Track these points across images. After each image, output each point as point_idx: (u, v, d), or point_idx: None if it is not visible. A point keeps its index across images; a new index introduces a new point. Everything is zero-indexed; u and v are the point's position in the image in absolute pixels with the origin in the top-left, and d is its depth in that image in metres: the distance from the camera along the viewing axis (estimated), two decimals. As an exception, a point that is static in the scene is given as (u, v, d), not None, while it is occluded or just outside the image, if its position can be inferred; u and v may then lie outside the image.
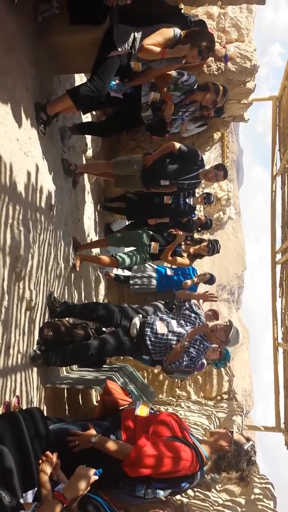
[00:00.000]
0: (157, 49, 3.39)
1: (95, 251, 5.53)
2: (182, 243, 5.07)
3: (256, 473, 4.02)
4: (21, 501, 1.76)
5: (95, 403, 4.46)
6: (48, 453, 2.14)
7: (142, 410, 2.53)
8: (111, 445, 2.38)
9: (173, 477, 2.36)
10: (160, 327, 3.48)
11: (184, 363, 3.41)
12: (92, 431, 2.43)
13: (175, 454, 2.33)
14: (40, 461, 2.12)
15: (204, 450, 2.48)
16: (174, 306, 3.84)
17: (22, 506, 1.66)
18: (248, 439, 2.55)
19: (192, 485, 2.52)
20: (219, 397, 5.64)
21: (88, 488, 1.90)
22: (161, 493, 2.38)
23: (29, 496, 1.93)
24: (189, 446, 2.40)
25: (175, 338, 3.45)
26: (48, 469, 2.10)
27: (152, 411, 2.61)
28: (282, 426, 6.99)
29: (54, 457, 2.14)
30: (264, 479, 4.21)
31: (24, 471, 2.04)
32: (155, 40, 3.38)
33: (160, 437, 2.39)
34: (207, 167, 4.61)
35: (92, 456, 2.38)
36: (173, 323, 3.55)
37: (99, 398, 4.50)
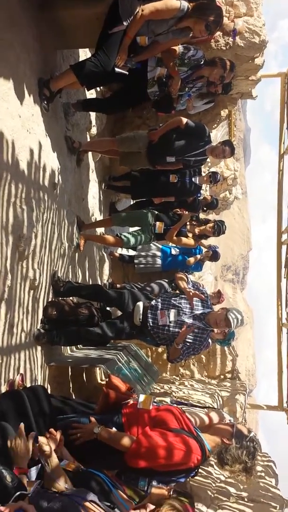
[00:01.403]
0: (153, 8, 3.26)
1: (100, 230, 5.50)
2: (188, 223, 5.03)
3: (259, 452, 4.07)
4: (23, 476, 1.78)
5: (99, 381, 4.51)
6: (52, 430, 2.16)
7: (145, 403, 2.48)
8: (115, 435, 2.37)
9: (177, 469, 2.36)
10: (161, 318, 3.48)
11: (186, 354, 3.46)
12: (94, 422, 2.42)
13: (186, 446, 2.31)
14: (45, 437, 2.15)
15: (207, 443, 2.47)
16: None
17: (24, 486, 1.67)
18: (249, 430, 2.54)
19: (195, 476, 2.53)
20: (222, 376, 5.68)
21: None
22: (164, 487, 2.39)
23: (33, 472, 1.95)
24: (195, 439, 2.40)
25: (177, 329, 3.45)
26: (52, 445, 2.12)
27: (155, 404, 2.60)
28: (285, 405, 7.07)
29: (58, 434, 2.16)
30: (266, 457, 4.27)
31: (28, 448, 2.06)
32: (156, 6, 3.26)
33: (167, 428, 2.38)
34: (213, 143, 4.53)
35: (95, 448, 2.38)
36: (176, 310, 3.52)
37: (103, 377, 4.56)
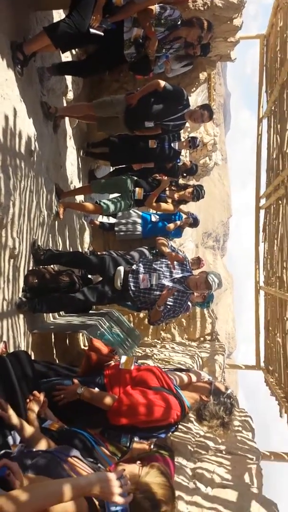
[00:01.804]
0: None
1: (79, 198, 5.46)
2: (167, 188, 5.03)
3: (236, 406, 4.26)
4: (10, 438, 1.84)
5: (82, 347, 4.60)
6: (35, 392, 2.22)
7: (127, 363, 2.57)
8: (98, 395, 2.46)
9: (157, 425, 2.47)
10: (143, 282, 3.55)
11: (167, 316, 3.55)
12: (77, 383, 2.50)
13: (166, 403, 2.42)
14: (28, 400, 2.21)
15: (186, 400, 2.58)
16: (158, 251, 3.88)
17: (8, 445, 1.73)
18: (227, 388, 2.67)
19: (175, 431, 2.65)
20: (202, 338, 5.85)
21: None
22: (145, 442, 2.50)
23: (17, 435, 2.02)
24: (174, 396, 2.50)
25: (158, 292, 3.53)
26: (35, 407, 2.18)
27: (137, 364, 2.69)
28: (262, 364, 7.33)
29: (41, 396, 2.22)
30: (244, 412, 4.47)
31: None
32: None
33: (148, 386, 2.48)
34: (192, 108, 4.49)
35: (78, 408, 2.46)
36: (156, 274, 3.59)
37: (86, 343, 4.64)
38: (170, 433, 2.76)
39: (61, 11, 4.27)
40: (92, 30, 3.38)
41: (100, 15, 3.34)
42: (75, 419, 2.49)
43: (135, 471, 1.84)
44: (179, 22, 3.99)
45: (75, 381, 2.53)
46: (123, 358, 2.62)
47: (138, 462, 1.92)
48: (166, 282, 3.53)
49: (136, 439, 2.48)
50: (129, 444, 2.46)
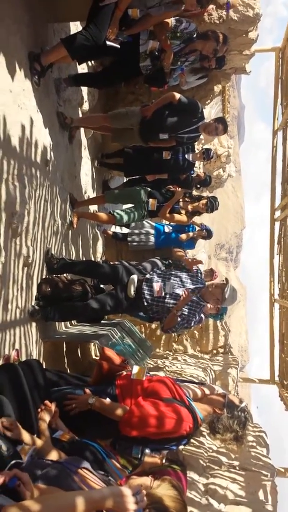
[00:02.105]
0: None
1: (93, 208, 5.49)
2: (180, 200, 5.03)
3: (250, 421, 4.18)
4: (19, 446, 1.83)
5: (93, 357, 4.58)
6: (47, 402, 2.21)
7: (138, 374, 2.55)
8: (109, 406, 2.44)
9: (169, 437, 2.43)
10: (157, 289, 3.53)
11: (181, 325, 3.51)
12: (89, 393, 2.48)
13: (177, 415, 2.39)
14: (39, 410, 2.20)
15: (199, 412, 2.54)
16: (171, 262, 3.87)
17: (19, 454, 1.72)
18: (241, 401, 2.62)
19: (187, 444, 2.61)
20: (215, 351, 5.78)
21: None
22: (158, 454, 2.46)
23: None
24: (187, 408, 2.47)
25: (172, 301, 3.50)
26: (46, 417, 2.17)
27: (148, 375, 2.66)
28: (276, 378, 7.21)
29: (52, 406, 2.21)
30: (258, 427, 4.38)
31: (23, 419, 2.10)
32: None
33: (159, 398, 2.45)
34: (207, 120, 4.50)
35: (89, 418, 2.44)
36: (171, 283, 3.57)
37: (97, 353, 4.62)
38: (182, 445, 2.72)
39: (78, 23, 4.34)
40: (108, 43, 3.42)
41: (116, 28, 3.38)
42: (86, 429, 2.47)
43: (147, 483, 1.80)
44: (194, 35, 4.02)
45: (87, 390, 2.51)
46: (135, 369, 2.60)
47: (151, 475, 1.88)
48: (180, 292, 3.51)
49: (147, 451, 2.44)
50: (140, 455, 2.43)
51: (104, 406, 2.43)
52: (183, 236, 5.29)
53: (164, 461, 2.49)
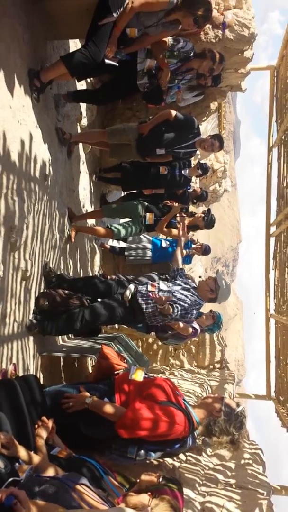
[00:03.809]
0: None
1: (91, 222, 5.51)
2: (177, 214, 5.07)
3: (246, 438, 4.16)
4: (17, 465, 1.82)
5: (90, 371, 4.55)
6: (44, 418, 2.20)
7: (136, 374, 2.60)
8: (105, 406, 2.46)
9: (164, 440, 2.45)
10: (151, 288, 3.54)
11: (178, 312, 3.47)
12: (86, 393, 2.50)
13: (170, 418, 2.41)
14: (36, 426, 2.19)
15: (196, 415, 2.56)
16: (168, 277, 3.88)
17: (17, 472, 1.71)
18: (238, 404, 2.64)
19: (183, 448, 2.61)
20: (211, 366, 5.76)
21: None
22: (153, 455, 2.47)
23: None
24: (182, 411, 2.48)
25: (166, 294, 3.48)
26: (44, 433, 2.16)
27: (147, 376, 2.68)
28: (273, 394, 7.18)
29: (50, 422, 2.20)
30: (254, 444, 4.34)
31: (20, 436, 2.09)
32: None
33: (155, 401, 2.46)
34: (203, 136, 4.56)
35: (86, 418, 2.45)
36: (163, 284, 3.60)
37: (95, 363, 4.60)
38: (179, 448, 2.69)
39: (77, 40, 4.42)
40: (107, 61, 3.48)
41: (115, 46, 3.44)
42: (83, 428, 2.47)
43: (145, 502, 1.79)
44: (191, 54, 4.10)
45: (82, 389, 2.54)
46: (133, 369, 2.63)
47: (149, 493, 1.88)
48: (174, 288, 3.52)
49: (142, 452, 2.45)
50: (135, 456, 2.44)
51: (101, 407, 2.46)
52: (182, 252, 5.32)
53: (160, 479, 2.48)
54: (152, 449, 2.47)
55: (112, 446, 2.47)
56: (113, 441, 2.48)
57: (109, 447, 2.49)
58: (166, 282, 3.70)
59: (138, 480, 2.33)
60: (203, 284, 3.61)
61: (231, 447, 2.56)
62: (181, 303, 3.47)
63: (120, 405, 2.50)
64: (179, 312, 3.46)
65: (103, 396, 2.55)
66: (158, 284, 3.60)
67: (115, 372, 2.71)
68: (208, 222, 5.19)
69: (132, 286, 3.60)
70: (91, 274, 5.47)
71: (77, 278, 4.18)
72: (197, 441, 2.70)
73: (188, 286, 3.62)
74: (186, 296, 3.50)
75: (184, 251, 5.44)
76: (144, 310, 3.52)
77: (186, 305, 3.46)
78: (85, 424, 2.48)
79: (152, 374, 2.81)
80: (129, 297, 3.53)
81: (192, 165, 5.47)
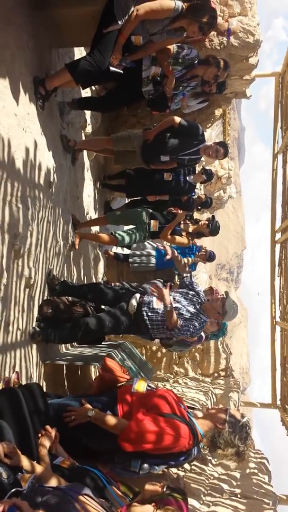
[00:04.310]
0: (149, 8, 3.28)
1: (95, 229, 5.51)
2: (181, 222, 5.06)
3: (252, 448, 4.11)
4: (19, 474, 1.80)
5: (94, 379, 4.53)
6: (47, 427, 2.18)
7: (139, 386, 2.56)
8: (108, 419, 2.41)
9: (168, 453, 2.41)
10: (156, 303, 3.50)
11: (184, 329, 3.44)
12: (88, 406, 2.47)
13: (175, 431, 2.36)
14: (39, 435, 2.17)
15: (200, 427, 2.51)
16: (173, 284, 3.85)
17: (19, 483, 1.69)
18: (243, 416, 2.59)
19: (187, 460, 2.57)
20: (216, 374, 5.72)
21: None
22: (156, 468, 2.43)
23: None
24: (186, 424, 2.44)
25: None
26: (47, 443, 2.14)
27: (150, 388, 2.65)
28: (278, 403, 7.11)
29: (53, 432, 2.18)
30: (260, 454, 4.30)
31: (23, 445, 2.07)
32: (151, 6, 3.28)
33: (159, 413, 2.43)
34: (208, 143, 4.55)
35: (89, 431, 2.42)
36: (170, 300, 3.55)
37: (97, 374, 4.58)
38: (183, 460, 2.66)
39: (82, 48, 4.44)
40: (111, 68, 3.49)
41: (119, 54, 3.45)
42: (86, 441, 2.44)
43: None
44: (196, 61, 4.11)
45: (84, 402, 2.49)
46: (136, 381, 2.59)
47: (153, 504, 1.85)
48: (179, 305, 3.48)
49: (146, 466, 2.41)
50: (139, 469, 2.40)
51: (103, 420, 2.41)
52: (186, 260, 5.31)
53: (165, 489, 2.45)
54: (156, 462, 2.42)
55: (115, 460, 2.43)
56: (116, 455, 2.44)
57: (112, 460, 2.45)
58: (171, 292, 3.64)
59: (142, 490, 2.30)
60: (210, 306, 3.51)
61: (237, 459, 2.51)
62: (185, 316, 3.45)
63: (123, 417, 2.46)
64: (185, 328, 3.46)
65: (105, 408, 2.51)
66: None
67: (118, 384, 2.68)
68: (213, 229, 5.17)
69: (136, 296, 3.56)
70: (94, 281, 5.45)
71: (81, 285, 4.17)
72: (202, 450, 2.66)
73: (194, 304, 3.57)
74: (192, 314, 3.47)
75: (190, 259, 5.44)
76: (149, 327, 3.50)
77: (187, 316, 3.44)
78: (88, 437, 2.45)
79: (154, 386, 2.76)
80: (135, 310, 3.50)
81: (197, 172, 5.47)
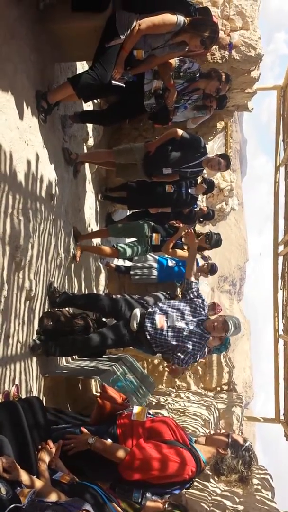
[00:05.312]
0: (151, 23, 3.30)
1: (96, 241, 5.51)
2: (183, 235, 5.05)
3: (255, 464, 4.03)
4: (18, 489, 1.76)
5: (94, 392, 4.48)
6: (49, 441, 2.15)
7: (139, 415, 2.48)
8: (109, 447, 2.35)
9: (171, 481, 2.33)
10: (160, 321, 3.47)
11: (188, 362, 3.45)
12: (88, 433, 2.40)
13: (180, 458, 2.30)
14: (40, 448, 2.13)
15: (202, 454, 2.44)
16: (175, 296, 3.83)
17: (18, 498, 1.65)
18: (245, 440, 2.52)
19: (188, 488, 2.51)
20: (219, 388, 5.66)
21: None
22: (159, 500, 2.36)
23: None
24: (189, 451, 2.38)
25: (174, 335, 3.43)
26: (46, 458, 2.11)
27: (149, 415, 2.58)
28: (282, 417, 7.02)
29: (53, 447, 2.14)
30: (263, 469, 4.23)
31: (22, 460, 2.04)
32: (153, 21, 3.31)
33: (161, 440, 2.36)
34: (210, 156, 4.57)
35: (89, 459, 2.35)
36: (173, 316, 3.52)
37: (98, 389, 4.53)
38: (185, 489, 2.61)
39: (84, 62, 4.48)
40: (114, 82, 3.51)
41: (121, 68, 3.48)
42: (86, 470, 2.38)
43: None
44: (197, 75, 4.14)
45: (84, 430, 2.43)
46: (136, 409, 2.52)
47: None
48: (182, 325, 3.45)
49: (148, 495, 2.34)
50: (141, 499, 2.33)
51: (105, 447, 2.34)
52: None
53: (166, 505, 2.39)
54: (159, 492, 2.33)
55: (116, 490, 2.35)
56: (117, 485, 2.36)
57: (113, 489, 2.37)
58: (177, 306, 3.62)
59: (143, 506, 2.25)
60: (212, 325, 3.48)
61: (241, 485, 2.44)
62: (190, 349, 3.43)
63: (121, 437, 2.40)
64: (186, 361, 3.45)
65: (103, 432, 2.45)
66: (168, 315, 3.53)
67: (118, 413, 2.60)
68: (213, 243, 5.16)
69: (137, 312, 3.54)
70: (95, 293, 5.43)
71: (82, 295, 4.15)
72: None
73: (198, 316, 3.55)
74: (194, 335, 3.46)
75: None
76: (151, 342, 3.49)
77: (192, 349, 3.44)
78: (88, 467, 2.38)
79: (153, 413, 2.69)
80: (136, 328, 3.48)
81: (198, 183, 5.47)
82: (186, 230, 4.04)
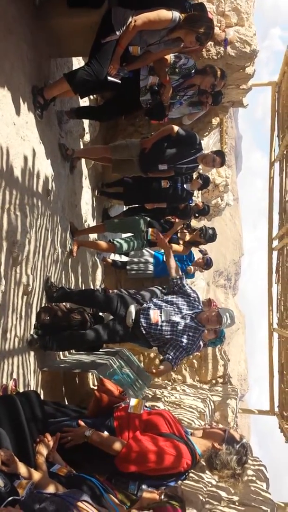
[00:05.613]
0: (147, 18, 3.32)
1: (93, 236, 5.53)
2: (179, 230, 5.09)
3: (250, 455, 4.09)
4: (16, 481, 1.80)
5: (91, 386, 4.53)
6: (47, 434, 2.18)
7: (136, 408, 2.50)
8: (106, 439, 2.37)
9: (167, 473, 2.36)
10: (154, 316, 3.52)
11: (181, 357, 3.50)
12: (85, 426, 2.42)
13: (176, 450, 2.33)
14: (38, 441, 2.17)
15: (198, 447, 2.48)
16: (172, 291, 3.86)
17: (16, 490, 1.68)
18: (241, 437, 2.54)
19: (183, 479, 2.54)
20: (214, 381, 5.72)
21: None
22: (155, 491, 2.40)
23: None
24: (185, 444, 2.42)
25: (169, 329, 3.48)
26: (44, 450, 2.14)
27: (146, 408, 2.61)
28: (276, 409, 7.10)
29: (51, 439, 2.18)
30: (258, 461, 4.29)
31: (20, 453, 2.07)
32: (149, 17, 3.33)
33: (158, 432, 2.39)
34: (205, 152, 4.59)
35: (86, 452, 2.38)
36: (167, 311, 3.57)
37: (95, 382, 4.57)
38: (180, 481, 2.65)
39: (80, 58, 4.48)
40: (109, 78, 3.52)
41: (117, 64, 3.49)
42: (83, 463, 2.42)
43: None
44: (193, 71, 4.15)
45: (81, 423, 2.46)
46: (133, 401, 2.55)
47: (150, 511, 1.84)
48: (177, 319, 3.50)
49: (144, 487, 2.38)
50: (137, 491, 2.37)
51: (101, 440, 2.37)
52: (191, 268, 5.34)
53: (162, 496, 2.44)
54: (154, 484, 2.35)
55: (112, 482, 2.38)
56: (113, 477, 2.39)
57: (110, 481, 2.40)
58: (172, 300, 3.66)
59: (139, 498, 2.28)
60: (206, 318, 3.53)
61: (232, 482, 2.46)
62: (184, 343, 3.47)
63: (120, 438, 2.43)
64: (181, 356, 3.49)
65: (99, 424, 2.48)
66: (163, 309, 3.57)
67: (115, 405, 2.63)
68: (207, 237, 5.20)
69: (132, 309, 3.58)
70: (91, 288, 5.46)
71: (78, 291, 4.18)
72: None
73: (190, 312, 3.60)
74: (189, 328, 3.50)
75: (190, 267, 5.45)
76: (146, 336, 3.54)
77: (186, 343, 3.48)
78: (86, 459, 2.40)
79: (150, 406, 2.72)
80: (132, 323, 3.52)
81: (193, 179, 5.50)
82: (154, 235, 4.10)
